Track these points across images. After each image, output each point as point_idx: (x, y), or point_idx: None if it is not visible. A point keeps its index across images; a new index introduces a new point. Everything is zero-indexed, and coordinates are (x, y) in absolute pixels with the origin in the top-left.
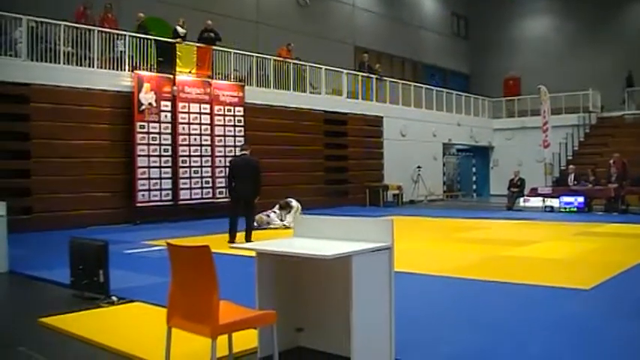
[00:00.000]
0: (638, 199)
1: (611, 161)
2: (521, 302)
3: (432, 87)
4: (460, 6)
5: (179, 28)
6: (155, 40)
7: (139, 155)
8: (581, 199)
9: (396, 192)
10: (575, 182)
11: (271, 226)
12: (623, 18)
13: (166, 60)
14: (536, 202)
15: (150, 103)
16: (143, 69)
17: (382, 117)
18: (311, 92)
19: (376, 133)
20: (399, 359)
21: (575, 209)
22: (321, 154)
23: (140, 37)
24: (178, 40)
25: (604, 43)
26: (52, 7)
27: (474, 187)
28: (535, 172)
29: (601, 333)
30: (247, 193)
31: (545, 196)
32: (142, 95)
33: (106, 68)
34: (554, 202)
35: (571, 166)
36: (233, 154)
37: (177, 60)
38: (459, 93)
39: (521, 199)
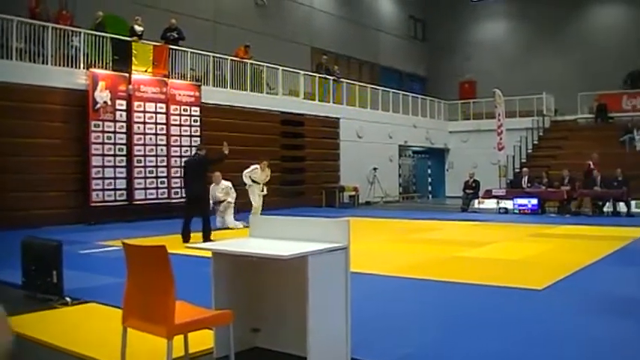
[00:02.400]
0: (590, 201)
1: (590, 162)
2: (476, 302)
3: (389, 89)
4: (417, 9)
5: (136, 27)
6: (111, 37)
7: (94, 154)
8: (534, 201)
9: (352, 193)
10: (529, 184)
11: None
12: (576, 23)
13: (122, 58)
14: (490, 203)
15: (105, 102)
16: (98, 67)
17: (339, 118)
18: (268, 93)
19: (333, 135)
20: (355, 358)
21: (528, 211)
22: (277, 154)
23: (96, 35)
24: (134, 38)
25: (558, 48)
26: (3, 1)
27: (430, 188)
28: (490, 175)
29: (554, 331)
30: (198, 192)
31: (499, 197)
32: (97, 93)
33: (60, 65)
34: (509, 204)
35: (525, 169)
36: (189, 154)
37: (133, 58)
38: (416, 95)
39: (476, 201)
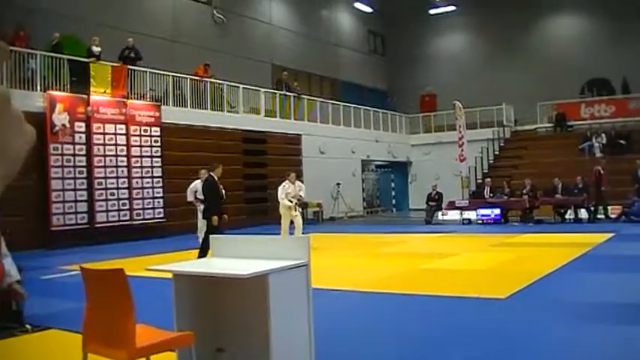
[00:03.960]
0: (552, 209)
1: (599, 167)
2: (441, 313)
3: (350, 104)
4: (377, 24)
5: (93, 47)
6: (68, 59)
7: (53, 178)
8: (497, 210)
9: (316, 209)
10: (491, 195)
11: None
12: (534, 34)
13: (80, 80)
14: (454, 215)
15: (63, 124)
16: (56, 89)
17: (301, 135)
18: (229, 111)
19: (295, 151)
20: None
21: (491, 221)
22: (240, 173)
23: (52, 56)
24: (92, 59)
25: (517, 59)
26: None
27: (394, 202)
28: (452, 186)
29: (518, 340)
30: (204, 210)
31: (462, 209)
32: (54, 116)
33: (16, 88)
34: (472, 215)
35: (487, 179)
36: (150, 174)
37: (92, 80)
38: (377, 110)
39: (440, 213)
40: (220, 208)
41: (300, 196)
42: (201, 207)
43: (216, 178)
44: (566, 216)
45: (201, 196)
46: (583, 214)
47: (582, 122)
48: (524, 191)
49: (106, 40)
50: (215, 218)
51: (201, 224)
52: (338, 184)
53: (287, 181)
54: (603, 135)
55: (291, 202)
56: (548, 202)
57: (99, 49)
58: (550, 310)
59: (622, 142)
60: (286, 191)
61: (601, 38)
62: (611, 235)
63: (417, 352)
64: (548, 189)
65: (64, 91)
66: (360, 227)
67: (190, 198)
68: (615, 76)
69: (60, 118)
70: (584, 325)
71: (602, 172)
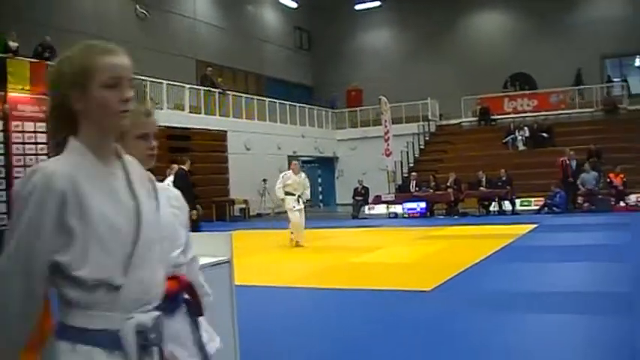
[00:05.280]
0: (477, 202)
1: (565, 158)
2: (368, 306)
3: (276, 100)
4: (302, 19)
5: (10, 42)
6: None
7: None
8: (423, 204)
9: (243, 206)
10: (417, 188)
11: None
12: (457, 30)
13: None
14: (380, 209)
15: None
16: None
17: (226, 131)
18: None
19: (221, 148)
20: None
21: (417, 214)
22: (164, 171)
23: None
24: (9, 54)
25: (440, 54)
26: None
27: (320, 197)
28: (379, 181)
29: (442, 331)
30: None
31: (388, 203)
32: None
33: None
34: (398, 209)
35: (413, 173)
36: None
37: (9, 76)
38: (303, 105)
39: (366, 207)
40: (194, 201)
41: (305, 193)
42: None
43: (187, 170)
44: (491, 208)
45: None
46: (507, 206)
47: (506, 116)
48: (449, 184)
49: (24, 34)
50: (194, 212)
51: None
52: (264, 180)
53: (290, 171)
54: (526, 128)
55: (292, 194)
56: (472, 195)
57: (16, 44)
58: (472, 300)
59: (544, 135)
60: (286, 182)
61: (524, 33)
62: (533, 226)
63: (343, 347)
64: (473, 182)
65: None
66: (287, 223)
67: None
68: (537, 71)
69: None
70: (502, 315)
71: (568, 162)
